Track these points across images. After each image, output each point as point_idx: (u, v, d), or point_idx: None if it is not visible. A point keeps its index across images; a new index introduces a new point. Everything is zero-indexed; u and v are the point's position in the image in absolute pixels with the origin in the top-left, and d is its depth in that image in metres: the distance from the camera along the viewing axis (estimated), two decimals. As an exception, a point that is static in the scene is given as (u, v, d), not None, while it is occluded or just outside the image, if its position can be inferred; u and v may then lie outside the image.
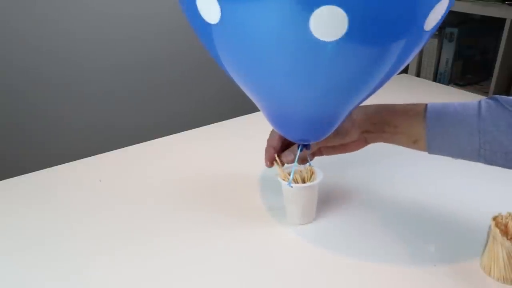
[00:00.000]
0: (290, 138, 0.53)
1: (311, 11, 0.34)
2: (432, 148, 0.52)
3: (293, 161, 0.56)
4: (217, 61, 0.46)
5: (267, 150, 0.58)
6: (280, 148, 0.57)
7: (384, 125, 0.55)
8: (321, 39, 0.36)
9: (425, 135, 0.52)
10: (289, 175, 0.56)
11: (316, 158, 0.60)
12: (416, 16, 0.38)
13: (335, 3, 0.34)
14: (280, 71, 0.41)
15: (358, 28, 0.36)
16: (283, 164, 0.57)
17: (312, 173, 0.57)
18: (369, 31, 0.37)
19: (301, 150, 0.54)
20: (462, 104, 0.51)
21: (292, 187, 0.54)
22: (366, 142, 0.58)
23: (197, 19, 0.41)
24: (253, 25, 0.38)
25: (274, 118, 0.50)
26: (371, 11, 0.35)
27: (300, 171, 0.57)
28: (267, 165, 0.57)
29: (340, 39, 0.36)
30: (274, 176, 0.56)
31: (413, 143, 0.54)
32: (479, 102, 0.51)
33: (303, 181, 0.57)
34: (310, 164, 0.57)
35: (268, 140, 0.58)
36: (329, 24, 0.35)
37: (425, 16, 0.39)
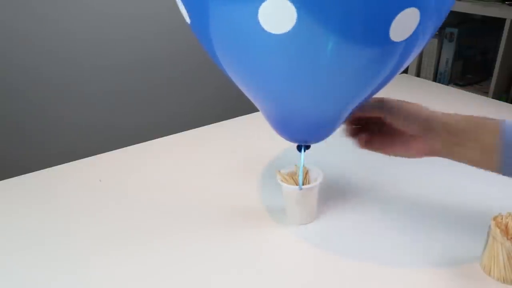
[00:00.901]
0: (290, 139, 0.53)
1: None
2: (506, 163, 0.47)
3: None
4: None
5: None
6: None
7: (455, 128, 0.49)
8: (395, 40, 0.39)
9: (499, 145, 0.46)
10: (289, 177, 0.56)
11: (315, 158, 0.60)
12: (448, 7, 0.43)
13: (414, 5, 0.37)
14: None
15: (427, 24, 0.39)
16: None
17: (306, 172, 0.57)
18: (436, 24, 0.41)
19: (303, 151, 0.54)
20: None
21: (301, 189, 0.54)
22: (429, 149, 0.51)
23: (242, 29, 0.39)
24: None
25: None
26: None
27: (295, 172, 0.57)
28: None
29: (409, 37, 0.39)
30: (275, 176, 0.56)
31: (483, 155, 0.48)
32: None
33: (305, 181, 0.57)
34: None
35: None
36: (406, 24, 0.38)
37: (450, 6, 0.43)
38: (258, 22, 0.37)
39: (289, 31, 0.37)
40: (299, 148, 0.54)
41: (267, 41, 0.38)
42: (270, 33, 0.37)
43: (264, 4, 0.36)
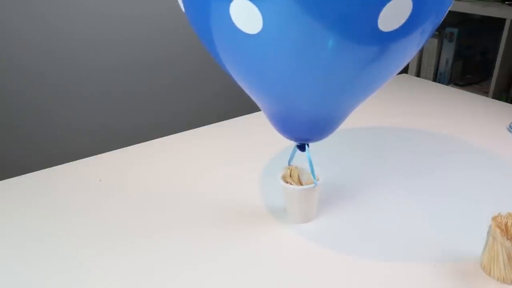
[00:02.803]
0: (291, 138, 0.53)
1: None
2: None
3: None
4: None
5: None
6: None
7: None
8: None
9: None
10: (286, 177, 0.56)
11: (316, 157, 0.60)
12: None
13: None
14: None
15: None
16: None
17: (298, 173, 0.57)
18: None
19: (308, 148, 0.54)
20: None
21: (316, 185, 0.54)
22: None
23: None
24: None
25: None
26: None
27: (291, 173, 0.57)
28: None
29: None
30: (275, 176, 0.56)
31: None
32: None
33: (299, 181, 0.57)
34: (290, 164, 0.57)
35: None
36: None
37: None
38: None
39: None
40: (300, 147, 0.54)
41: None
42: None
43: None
